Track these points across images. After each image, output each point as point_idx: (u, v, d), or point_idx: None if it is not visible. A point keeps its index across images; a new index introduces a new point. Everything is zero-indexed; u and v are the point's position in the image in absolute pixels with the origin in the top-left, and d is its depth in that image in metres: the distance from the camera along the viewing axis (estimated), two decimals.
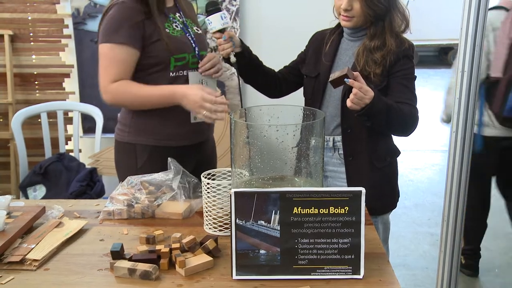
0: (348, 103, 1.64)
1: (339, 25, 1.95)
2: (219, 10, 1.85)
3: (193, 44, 1.98)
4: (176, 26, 1.97)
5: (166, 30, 1.92)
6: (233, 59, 1.88)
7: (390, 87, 1.83)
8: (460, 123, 1.49)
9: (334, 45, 1.94)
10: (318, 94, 1.93)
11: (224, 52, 1.87)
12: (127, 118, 2.03)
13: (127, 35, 1.85)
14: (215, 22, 1.84)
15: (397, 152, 1.98)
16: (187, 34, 1.99)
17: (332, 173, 1.96)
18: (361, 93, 1.61)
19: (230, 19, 3.34)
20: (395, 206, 2.02)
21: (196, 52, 1.99)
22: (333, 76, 1.64)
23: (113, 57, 1.87)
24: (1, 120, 3.48)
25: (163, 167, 1.80)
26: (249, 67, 1.98)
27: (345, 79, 1.59)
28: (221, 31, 1.86)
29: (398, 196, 2.03)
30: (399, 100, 1.80)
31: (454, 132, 1.51)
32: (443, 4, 9.85)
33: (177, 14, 2.01)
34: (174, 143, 2.00)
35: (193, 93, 1.84)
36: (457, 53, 1.59)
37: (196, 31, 2.04)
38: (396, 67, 1.82)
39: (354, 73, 1.62)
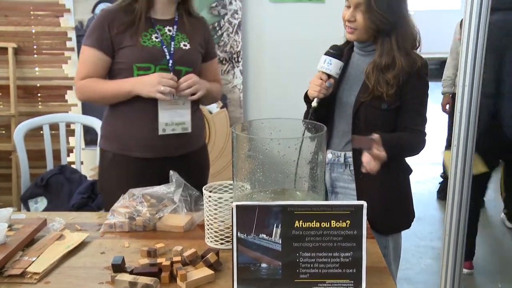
0: (363, 169, 1.66)
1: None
2: (340, 58, 1.80)
3: (168, 56, 1.99)
4: (155, 37, 1.99)
5: (140, 39, 1.96)
6: (315, 104, 1.79)
7: (402, 109, 1.80)
8: (462, 137, 1.48)
9: (345, 59, 1.90)
10: (330, 109, 1.90)
11: (316, 93, 1.78)
12: (102, 125, 2.13)
13: (96, 40, 1.95)
14: (333, 66, 1.77)
15: (409, 170, 1.95)
16: (164, 46, 1.99)
17: (343, 189, 1.92)
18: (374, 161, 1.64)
19: (232, 32, 3.36)
20: (408, 226, 1.96)
21: (170, 65, 1.99)
22: (358, 144, 1.69)
23: (85, 58, 2.00)
24: (4, 132, 3.49)
25: (126, 173, 1.88)
26: (319, 112, 1.88)
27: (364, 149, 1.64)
28: (329, 76, 1.79)
29: (413, 216, 1.97)
30: (408, 125, 1.80)
31: (455, 146, 1.51)
32: (444, 17, 9.88)
33: (168, 27, 2.03)
34: (134, 153, 2.02)
35: (148, 76, 1.94)
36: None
37: (182, 46, 2.04)
38: (408, 86, 1.78)
39: (374, 138, 1.63)
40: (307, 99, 1.84)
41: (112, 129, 2.05)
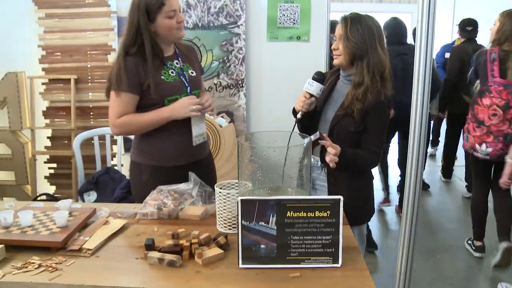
0: (327, 159, 1.60)
1: (338, 69, 1.88)
2: (322, 82, 1.75)
3: (187, 85, 1.92)
4: (172, 72, 1.91)
5: (162, 77, 1.87)
6: (299, 116, 1.75)
7: (365, 131, 1.73)
8: (415, 142, 1.43)
9: (331, 85, 1.87)
10: (315, 123, 1.85)
11: (300, 107, 1.74)
12: (136, 142, 2.00)
13: (127, 85, 1.82)
14: (315, 88, 1.73)
15: (371, 177, 1.88)
16: (181, 77, 1.92)
17: (320, 186, 1.87)
18: (333, 147, 1.59)
19: (238, 64, 3.34)
20: (367, 220, 1.91)
21: (189, 92, 1.92)
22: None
23: (118, 100, 1.84)
24: (66, 141, 3.47)
25: (163, 181, 1.77)
26: (304, 124, 1.84)
27: (319, 141, 1.59)
28: (312, 95, 1.74)
29: (371, 214, 1.91)
30: (368, 145, 1.73)
31: (411, 152, 1.47)
32: None
33: (175, 61, 1.95)
34: (171, 163, 1.93)
35: (178, 101, 1.86)
36: None
37: (190, 74, 1.97)
38: (372, 113, 1.71)
39: (323, 135, 1.61)
40: (294, 112, 1.80)
41: (148, 146, 1.95)
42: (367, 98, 1.70)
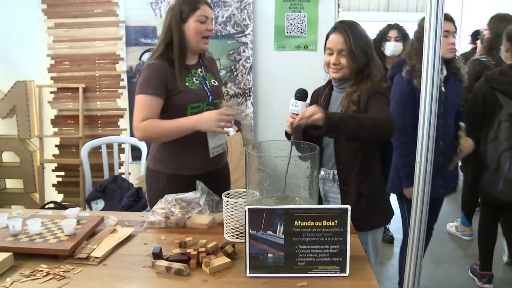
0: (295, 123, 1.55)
1: (329, 82, 1.88)
2: (305, 99, 1.72)
3: (209, 94, 1.93)
4: (196, 80, 1.92)
5: (186, 84, 1.88)
6: (293, 138, 1.70)
7: (368, 112, 1.68)
8: (424, 149, 1.43)
9: (327, 97, 1.86)
10: (319, 137, 1.82)
11: (290, 129, 1.69)
12: (154, 150, 1.99)
13: (154, 88, 1.81)
14: (300, 107, 1.66)
15: (381, 182, 1.85)
16: (204, 86, 1.94)
17: (333, 199, 1.84)
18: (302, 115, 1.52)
19: (245, 73, 3.36)
20: (382, 224, 1.88)
21: (210, 101, 1.94)
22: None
23: (143, 104, 1.82)
24: (74, 150, 3.51)
25: (179, 190, 1.77)
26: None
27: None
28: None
29: (386, 215, 1.86)
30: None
31: (419, 161, 1.46)
32: None
33: (199, 70, 1.97)
34: (188, 172, 1.92)
35: (207, 113, 1.80)
36: None
37: (213, 83, 1.99)
38: (370, 101, 1.69)
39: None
40: (287, 134, 1.74)
41: (166, 154, 1.94)
42: (362, 98, 1.70)
